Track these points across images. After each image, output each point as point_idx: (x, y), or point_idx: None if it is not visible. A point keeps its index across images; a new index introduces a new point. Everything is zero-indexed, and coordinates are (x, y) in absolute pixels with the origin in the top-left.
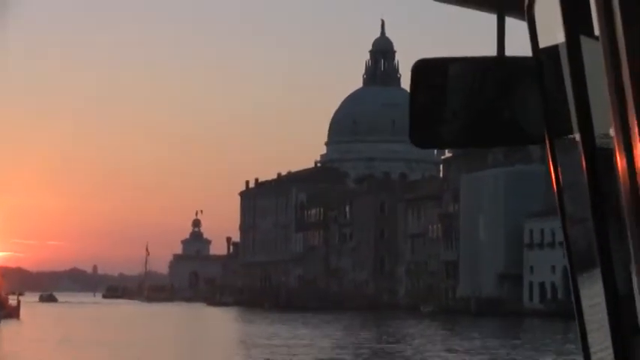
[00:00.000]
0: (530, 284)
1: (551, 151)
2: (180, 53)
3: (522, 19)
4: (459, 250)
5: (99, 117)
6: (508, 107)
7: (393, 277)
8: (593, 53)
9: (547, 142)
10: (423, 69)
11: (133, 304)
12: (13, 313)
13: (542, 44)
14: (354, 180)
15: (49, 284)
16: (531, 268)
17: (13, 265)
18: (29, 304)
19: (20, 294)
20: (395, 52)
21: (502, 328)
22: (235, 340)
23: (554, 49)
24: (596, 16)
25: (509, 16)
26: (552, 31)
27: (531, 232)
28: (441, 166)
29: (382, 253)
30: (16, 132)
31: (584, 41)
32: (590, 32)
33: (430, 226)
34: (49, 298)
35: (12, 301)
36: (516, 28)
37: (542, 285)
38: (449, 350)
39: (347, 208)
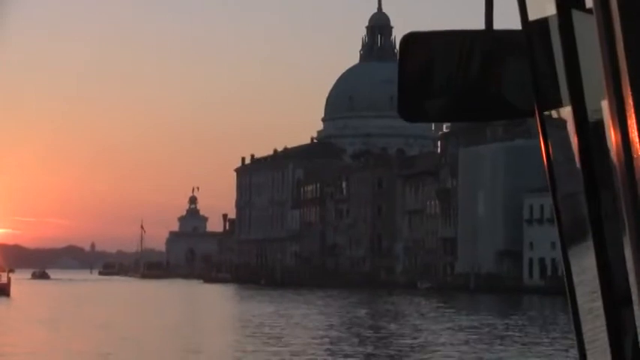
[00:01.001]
0: (530, 260)
1: (540, 125)
2: (177, 31)
3: None
4: (458, 226)
5: (96, 97)
6: (497, 81)
7: (390, 253)
8: (583, 26)
9: (537, 115)
10: (412, 43)
11: (127, 281)
12: (3, 290)
13: (531, 17)
14: (351, 156)
15: (47, 261)
16: (531, 244)
17: (10, 242)
18: (21, 281)
19: (11, 271)
20: (392, 27)
21: (501, 305)
22: (229, 318)
23: (544, 22)
24: None
25: None
26: (542, 4)
27: (531, 207)
28: (439, 141)
29: (379, 230)
30: (14, 111)
31: (575, 14)
32: (580, 5)
33: (428, 202)
34: (42, 275)
35: (4, 278)
36: (505, 0)
37: (542, 261)
38: (448, 328)
39: (344, 184)
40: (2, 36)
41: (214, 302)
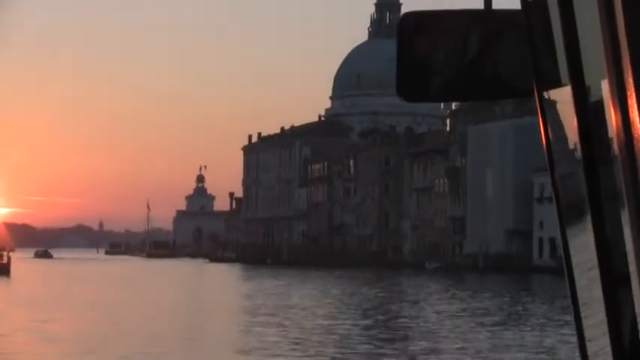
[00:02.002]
0: (540, 240)
1: (539, 105)
2: (185, 9)
3: None
4: (467, 205)
5: (103, 75)
6: (496, 60)
7: (398, 233)
8: (583, 4)
9: (536, 95)
10: (410, 22)
11: (132, 260)
12: (4, 269)
13: None
14: (359, 134)
15: (55, 240)
16: (541, 223)
17: (19, 221)
18: (23, 260)
19: (11, 250)
20: (401, 4)
21: (511, 285)
22: (228, 299)
23: (544, 1)
24: None
25: None
26: None
27: (541, 186)
28: (448, 119)
29: (387, 209)
30: (23, 90)
31: None
32: None
33: (436, 181)
34: (44, 254)
35: (4, 258)
36: None
37: (552, 240)
38: (458, 310)
39: (351, 163)
40: (10, 20)
41: (216, 282)
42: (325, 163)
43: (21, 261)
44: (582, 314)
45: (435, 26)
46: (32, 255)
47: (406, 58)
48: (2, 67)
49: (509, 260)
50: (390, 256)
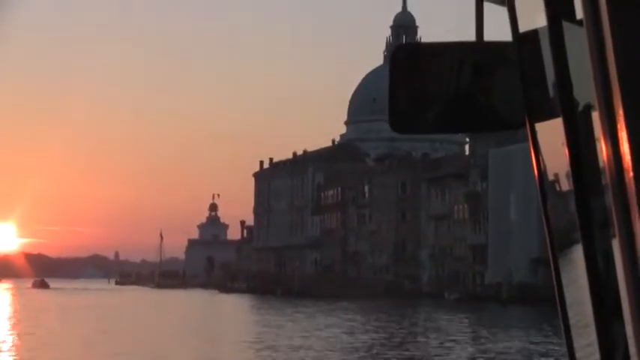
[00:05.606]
0: None
1: (532, 136)
2: (194, 35)
3: (502, 4)
4: (488, 232)
5: (118, 105)
6: (488, 92)
7: (416, 262)
8: (574, 37)
9: (527, 127)
10: (402, 54)
11: (140, 291)
12: None
13: (522, 29)
14: (374, 159)
15: (71, 271)
16: None
17: (34, 251)
18: (19, 290)
19: None
20: (417, 27)
21: (537, 317)
22: (226, 338)
23: (535, 33)
24: (580, 0)
25: (488, 0)
26: (533, 16)
27: None
28: (467, 145)
29: (403, 237)
30: (39, 119)
31: (566, 25)
32: (571, 16)
33: (456, 207)
34: (41, 285)
35: None
36: (496, 12)
37: None
38: (484, 351)
39: (366, 188)
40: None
41: (224, 315)
42: (339, 189)
43: (16, 291)
44: (575, 344)
45: (427, 58)
46: (30, 285)
47: (399, 90)
48: (17, 96)
49: (534, 291)
50: (407, 287)
